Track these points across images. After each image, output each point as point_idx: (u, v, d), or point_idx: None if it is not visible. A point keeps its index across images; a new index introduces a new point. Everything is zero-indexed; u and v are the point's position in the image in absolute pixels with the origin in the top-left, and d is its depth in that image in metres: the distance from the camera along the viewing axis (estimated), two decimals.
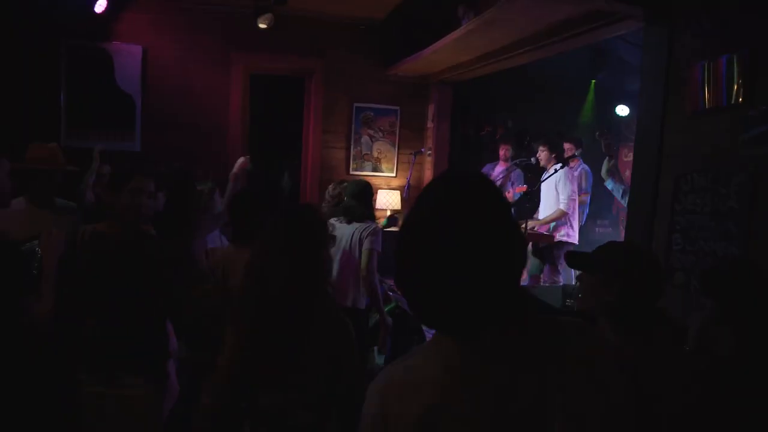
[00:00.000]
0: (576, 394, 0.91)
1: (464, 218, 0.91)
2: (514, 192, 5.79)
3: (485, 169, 6.18)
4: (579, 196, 5.41)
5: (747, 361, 1.93)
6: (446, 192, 0.96)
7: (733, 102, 2.68)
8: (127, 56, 5.59)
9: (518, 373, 0.91)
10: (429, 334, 4.05)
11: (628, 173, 6.89)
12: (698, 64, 2.83)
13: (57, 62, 5.40)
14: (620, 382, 0.99)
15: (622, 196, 4.58)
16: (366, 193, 3.78)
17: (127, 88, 5.63)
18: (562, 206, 5.10)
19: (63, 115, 5.47)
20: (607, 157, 4.57)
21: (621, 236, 6.59)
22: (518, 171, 6.11)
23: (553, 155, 5.17)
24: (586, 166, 5.82)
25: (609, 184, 4.58)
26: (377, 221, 3.99)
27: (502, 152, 6.09)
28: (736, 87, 2.67)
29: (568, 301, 3.12)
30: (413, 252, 0.93)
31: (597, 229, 6.70)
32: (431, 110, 6.65)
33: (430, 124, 6.70)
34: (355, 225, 3.63)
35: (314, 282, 1.75)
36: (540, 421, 0.90)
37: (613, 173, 4.64)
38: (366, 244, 3.52)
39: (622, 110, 6.62)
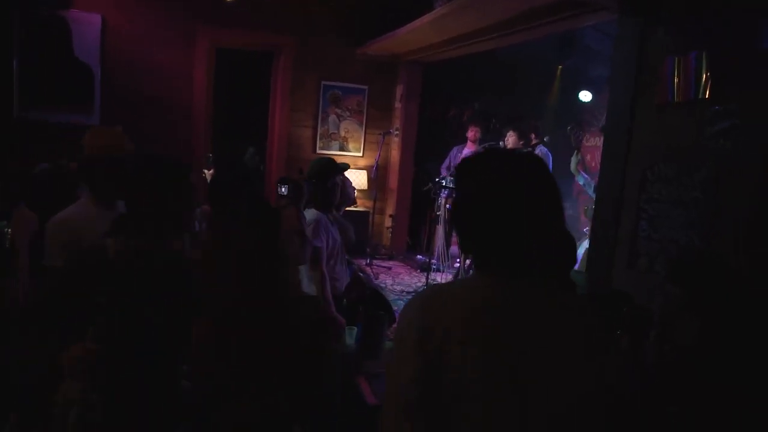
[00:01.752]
0: (579, 368, 1.08)
1: (528, 187, 1.10)
2: None
3: (453, 152, 6.23)
4: None
5: (711, 349, 2.05)
6: (513, 164, 1.14)
7: (700, 97, 2.79)
8: (86, 25, 5.34)
9: (532, 327, 1.08)
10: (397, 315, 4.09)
11: (589, 157, 7.11)
12: (669, 59, 2.92)
13: (10, 28, 5.11)
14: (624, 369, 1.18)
15: (594, 191, 4.68)
16: (323, 173, 3.16)
17: (86, 58, 5.39)
18: None
19: (16, 85, 5.21)
20: (576, 152, 4.65)
21: (581, 218, 6.80)
22: None
23: (521, 141, 5.27)
24: (544, 148, 5.93)
25: (580, 180, 4.67)
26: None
27: (471, 134, 6.15)
28: (703, 82, 2.77)
29: None
30: (484, 211, 1.11)
31: None
32: (400, 90, 6.64)
33: (398, 105, 6.69)
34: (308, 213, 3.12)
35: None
36: (532, 374, 1.05)
37: (583, 167, 4.73)
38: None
39: (585, 96, 6.75)
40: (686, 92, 2.86)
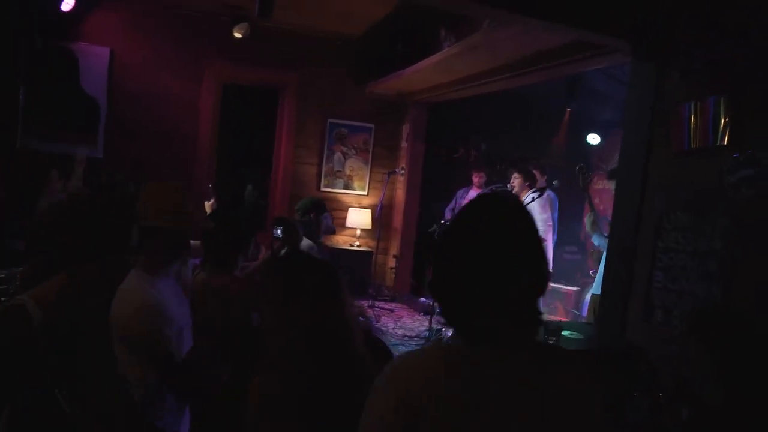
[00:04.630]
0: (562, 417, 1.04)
1: (497, 244, 1.06)
2: None
3: (459, 194, 6.14)
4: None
5: (740, 410, 1.89)
6: (475, 222, 1.09)
7: (719, 144, 2.68)
8: (94, 58, 5.34)
9: (505, 387, 1.04)
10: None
11: (597, 200, 7.00)
12: (685, 104, 2.83)
13: (17, 58, 5.11)
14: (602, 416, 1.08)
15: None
16: (314, 210, 3.63)
17: (92, 90, 5.38)
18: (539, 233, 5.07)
19: (21, 114, 5.17)
20: (590, 212, 4.39)
21: (588, 263, 6.65)
22: None
23: (527, 183, 5.16)
24: (551, 193, 5.82)
25: (596, 240, 4.40)
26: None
27: (476, 179, 6.06)
28: (722, 129, 2.67)
29: (551, 339, 3.04)
30: (451, 267, 1.08)
31: (565, 255, 6.73)
32: (406, 130, 6.59)
33: (404, 144, 6.64)
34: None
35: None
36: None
37: (597, 226, 4.40)
38: None
39: (593, 139, 6.70)
40: (704, 138, 2.75)
